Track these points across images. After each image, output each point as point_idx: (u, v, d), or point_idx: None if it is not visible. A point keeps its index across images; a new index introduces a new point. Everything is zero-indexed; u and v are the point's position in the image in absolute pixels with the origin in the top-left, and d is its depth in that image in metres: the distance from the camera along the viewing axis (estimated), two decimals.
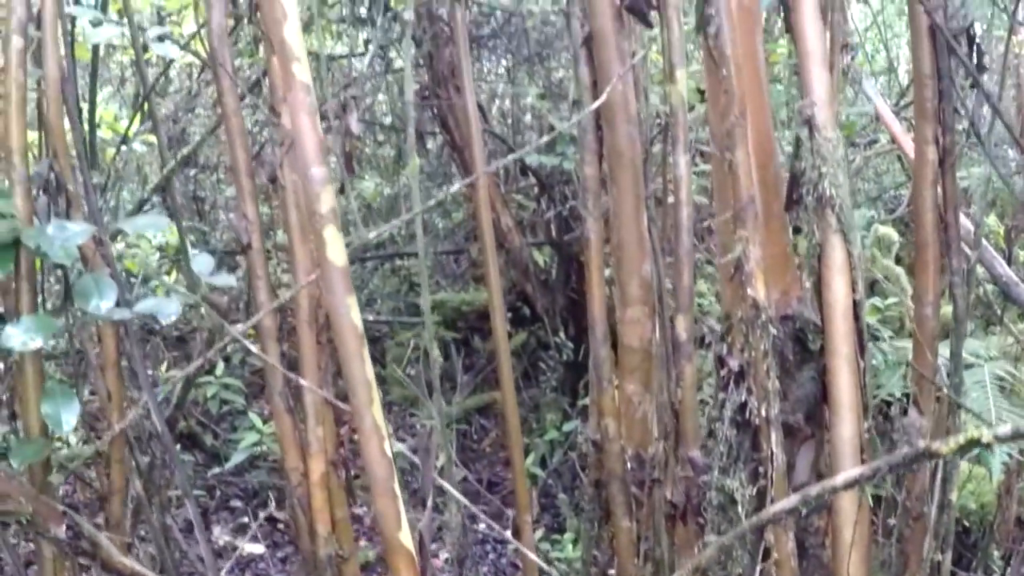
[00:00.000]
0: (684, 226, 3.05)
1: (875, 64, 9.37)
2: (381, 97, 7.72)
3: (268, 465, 6.20)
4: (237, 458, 5.78)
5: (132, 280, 5.10)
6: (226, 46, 3.49)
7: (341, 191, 3.58)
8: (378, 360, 6.88)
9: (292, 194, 3.39)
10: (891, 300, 6.35)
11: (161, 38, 2.94)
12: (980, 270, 4.74)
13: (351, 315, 1.99)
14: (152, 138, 5.87)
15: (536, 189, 6.57)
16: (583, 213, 3.39)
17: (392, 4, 5.54)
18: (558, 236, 6.42)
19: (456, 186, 3.20)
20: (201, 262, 2.82)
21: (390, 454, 2.02)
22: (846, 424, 2.76)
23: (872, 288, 6.50)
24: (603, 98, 3.02)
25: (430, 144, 7.22)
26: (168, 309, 2.69)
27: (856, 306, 2.78)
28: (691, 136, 3.18)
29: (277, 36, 1.95)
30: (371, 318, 7.19)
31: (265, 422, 5.79)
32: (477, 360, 6.90)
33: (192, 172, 7.88)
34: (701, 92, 3.28)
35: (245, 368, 6.85)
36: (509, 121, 7.27)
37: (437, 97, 6.07)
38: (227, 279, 2.88)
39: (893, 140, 5.36)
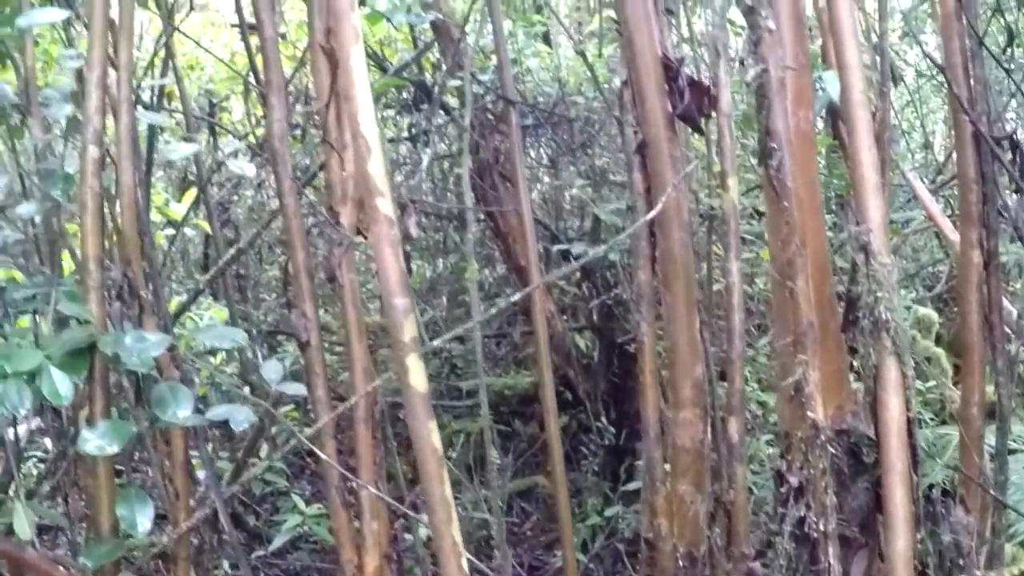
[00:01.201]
0: (736, 331, 3.13)
1: (911, 140, 9.42)
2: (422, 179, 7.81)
3: (310, 547, 6.23)
4: (280, 540, 5.79)
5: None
6: (287, 147, 3.59)
7: None
8: None
9: (350, 292, 3.48)
10: (931, 383, 6.37)
11: (235, 153, 3.03)
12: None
13: (432, 438, 2.07)
14: (198, 220, 5.98)
15: (578, 274, 6.62)
16: (636, 317, 3.47)
17: (436, 92, 5.65)
18: (600, 321, 6.47)
19: (515, 296, 3.28)
20: (270, 369, 2.89)
21: (467, 570, 2.09)
22: (900, 539, 2.83)
23: None
24: (658, 208, 3.10)
25: (472, 227, 7.28)
26: (240, 416, 2.77)
27: (910, 423, 2.85)
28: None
29: (362, 169, 2.04)
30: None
31: (308, 503, 5.82)
32: (518, 444, 6.93)
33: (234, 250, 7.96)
34: (759, 213, 3.36)
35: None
36: (550, 205, 7.32)
37: (482, 184, 6.15)
38: (297, 387, 2.95)
39: (929, 217, 5.41)
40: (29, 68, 3.44)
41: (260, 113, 7.17)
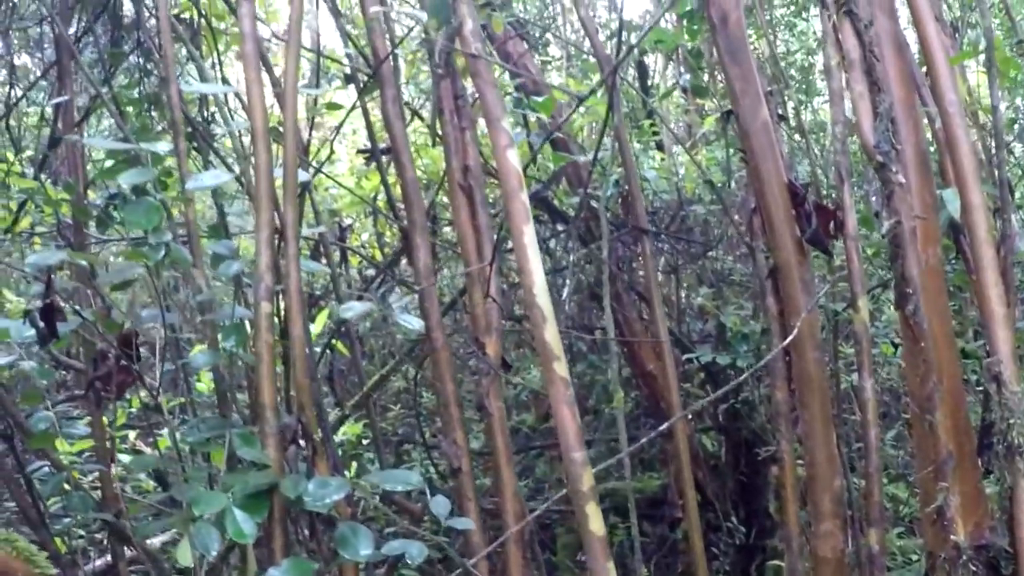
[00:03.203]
0: (873, 446, 3.26)
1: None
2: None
3: None
4: None
5: None
6: (434, 285, 3.81)
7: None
8: (548, 547, 7.04)
9: (498, 421, 3.67)
10: None
11: (405, 309, 3.25)
12: None
13: None
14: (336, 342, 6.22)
15: (702, 375, 6.74)
16: (775, 435, 3.63)
17: (571, 225, 5.85)
18: (726, 421, 6.57)
19: (656, 431, 3.45)
20: (439, 504, 3.07)
21: None
22: None
23: None
24: (794, 335, 3.26)
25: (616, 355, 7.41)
26: (415, 551, 2.95)
27: None
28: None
29: (539, 337, 2.24)
30: (543, 507, 7.24)
31: None
32: (648, 546, 7.01)
33: (364, 363, 8.19)
34: (895, 345, 3.49)
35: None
36: (671, 308, 7.44)
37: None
38: (466, 523, 3.12)
39: None
40: (191, 222, 3.70)
41: (387, 233, 7.45)
